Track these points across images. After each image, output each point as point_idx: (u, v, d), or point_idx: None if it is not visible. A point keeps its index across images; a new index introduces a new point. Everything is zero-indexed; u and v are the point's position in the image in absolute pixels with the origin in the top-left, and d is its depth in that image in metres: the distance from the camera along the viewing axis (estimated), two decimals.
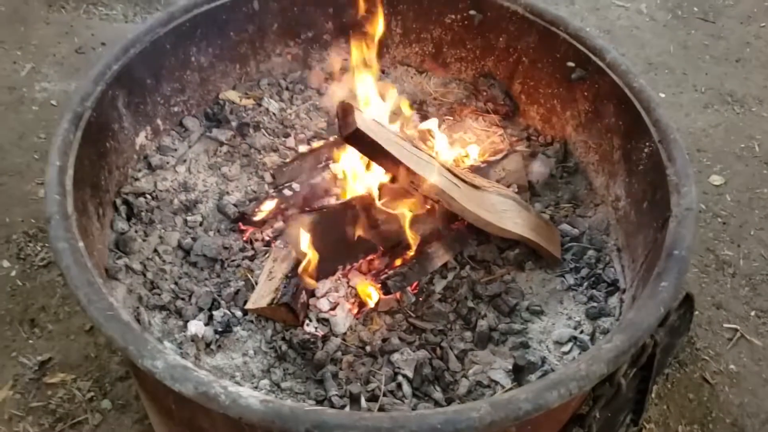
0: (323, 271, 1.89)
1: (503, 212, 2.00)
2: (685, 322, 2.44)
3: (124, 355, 1.41)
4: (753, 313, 2.58)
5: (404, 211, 1.91)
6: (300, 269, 1.83)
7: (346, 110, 1.76)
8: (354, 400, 1.49)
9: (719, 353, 2.47)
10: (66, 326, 2.43)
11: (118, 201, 2.07)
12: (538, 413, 1.37)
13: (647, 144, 1.93)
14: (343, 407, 1.69)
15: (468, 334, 1.91)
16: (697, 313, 2.54)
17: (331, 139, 2.23)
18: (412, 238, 1.97)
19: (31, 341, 2.40)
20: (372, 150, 1.77)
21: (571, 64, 2.18)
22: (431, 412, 1.34)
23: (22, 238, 2.66)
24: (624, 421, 2.21)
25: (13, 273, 2.57)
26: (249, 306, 1.88)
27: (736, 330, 2.53)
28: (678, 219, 1.70)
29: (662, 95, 3.37)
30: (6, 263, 2.59)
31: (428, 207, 1.91)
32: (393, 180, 1.85)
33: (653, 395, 2.33)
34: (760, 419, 2.30)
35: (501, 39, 2.40)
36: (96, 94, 1.91)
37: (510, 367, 1.82)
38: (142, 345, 1.39)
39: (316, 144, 2.29)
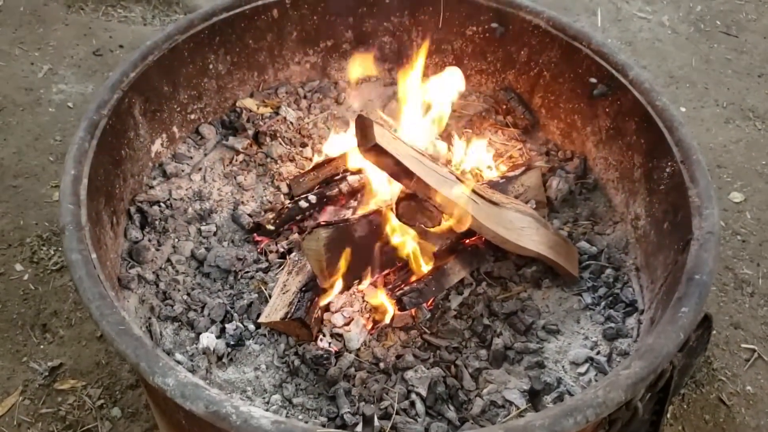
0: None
1: (521, 229, 1.97)
2: (703, 342, 2.40)
3: (136, 371, 1.39)
4: None
5: (421, 226, 1.88)
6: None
7: (364, 124, 1.73)
8: (367, 422, 1.47)
9: (736, 374, 2.44)
10: (78, 332, 2.42)
11: (133, 209, 2.06)
12: None
13: (669, 164, 1.90)
14: (355, 425, 1.66)
15: (483, 353, 1.88)
16: (714, 332, 2.50)
17: (349, 149, 2.20)
18: (429, 254, 1.94)
19: (42, 346, 2.39)
20: (390, 165, 1.75)
21: (593, 80, 2.16)
22: None
23: (35, 241, 2.66)
24: None
25: (26, 277, 2.56)
26: (262, 320, 1.86)
27: (754, 350, 2.50)
28: (700, 242, 1.67)
29: (683, 109, 3.34)
30: (19, 267, 2.59)
31: (445, 223, 1.88)
32: (411, 195, 1.83)
33: (669, 416, 2.30)
34: None
35: (522, 52, 2.37)
36: (112, 102, 1.90)
37: (525, 387, 1.79)
38: (153, 361, 1.38)
39: (333, 154, 2.26)
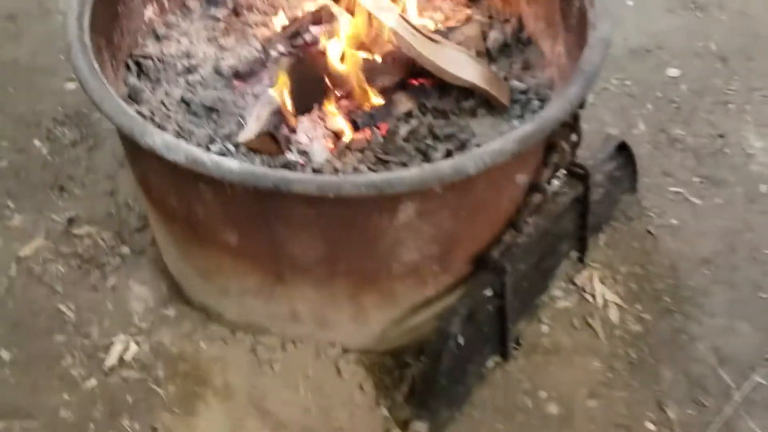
0: (300, 108, 2.24)
1: (458, 62, 2.31)
2: (628, 174, 2.75)
3: (130, 136, 1.77)
4: (696, 179, 2.86)
5: (369, 56, 2.25)
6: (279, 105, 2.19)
7: None
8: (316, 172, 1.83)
9: (664, 211, 2.75)
10: (91, 191, 2.81)
11: (130, 62, 2.43)
12: (459, 177, 1.71)
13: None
14: None
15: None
16: (647, 180, 2.84)
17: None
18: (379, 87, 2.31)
19: (60, 203, 2.77)
20: None
21: None
22: (374, 174, 1.70)
23: (51, 122, 3.04)
24: (567, 254, 2.54)
25: (44, 151, 2.95)
26: (240, 139, 2.22)
27: (681, 192, 2.83)
28: (591, 47, 2.02)
29: (630, 3, 3.68)
30: (37, 143, 2.98)
31: (390, 52, 2.24)
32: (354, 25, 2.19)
33: (601, 243, 2.64)
34: (693, 262, 2.59)
35: None
36: None
37: None
38: (143, 127, 1.76)
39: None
